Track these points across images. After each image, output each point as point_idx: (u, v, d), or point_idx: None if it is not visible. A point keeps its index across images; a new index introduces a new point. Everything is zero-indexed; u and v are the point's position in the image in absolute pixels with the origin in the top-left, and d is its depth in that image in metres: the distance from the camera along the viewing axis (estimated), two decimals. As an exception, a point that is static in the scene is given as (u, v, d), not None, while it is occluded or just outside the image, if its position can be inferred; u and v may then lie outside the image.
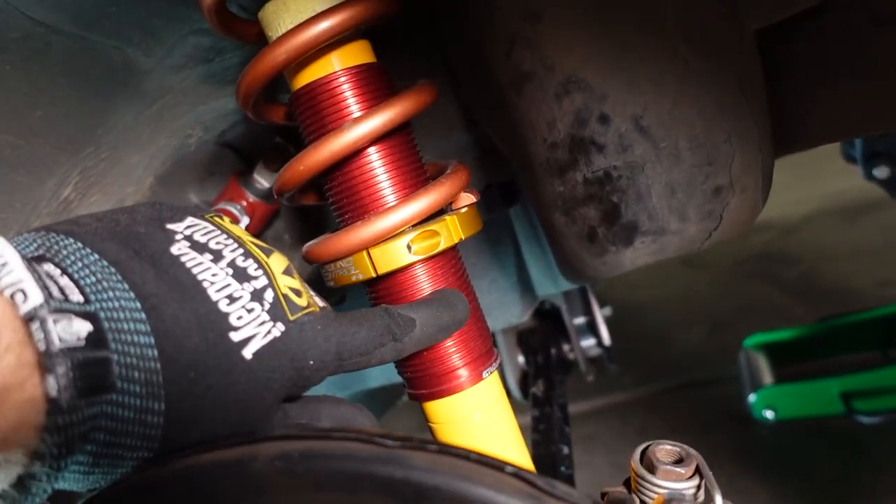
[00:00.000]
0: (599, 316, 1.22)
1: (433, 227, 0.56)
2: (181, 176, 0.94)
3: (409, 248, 0.55)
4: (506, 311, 1.06)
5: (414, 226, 0.55)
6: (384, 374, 1.11)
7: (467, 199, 0.60)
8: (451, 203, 0.60)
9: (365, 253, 0.55)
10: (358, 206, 0.57)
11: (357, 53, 0.58)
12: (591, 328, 1.24)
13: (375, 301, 0.60)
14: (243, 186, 0.91)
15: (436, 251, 0.56)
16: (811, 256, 3.26)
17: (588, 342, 1.24)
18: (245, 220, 0.88)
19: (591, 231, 0.61)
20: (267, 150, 0.91)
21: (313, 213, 1.02)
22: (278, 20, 0.57)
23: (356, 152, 0.55)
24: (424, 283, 0.58)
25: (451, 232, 0.56)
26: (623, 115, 0.53)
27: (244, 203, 0.90)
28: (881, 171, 1.69)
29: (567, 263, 0.69)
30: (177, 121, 0.87)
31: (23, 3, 0.62)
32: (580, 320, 1.24)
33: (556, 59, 0.53)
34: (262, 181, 0.91)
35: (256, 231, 0.94)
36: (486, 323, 0.62)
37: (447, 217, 0.57)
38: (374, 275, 0.55)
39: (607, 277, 0.69)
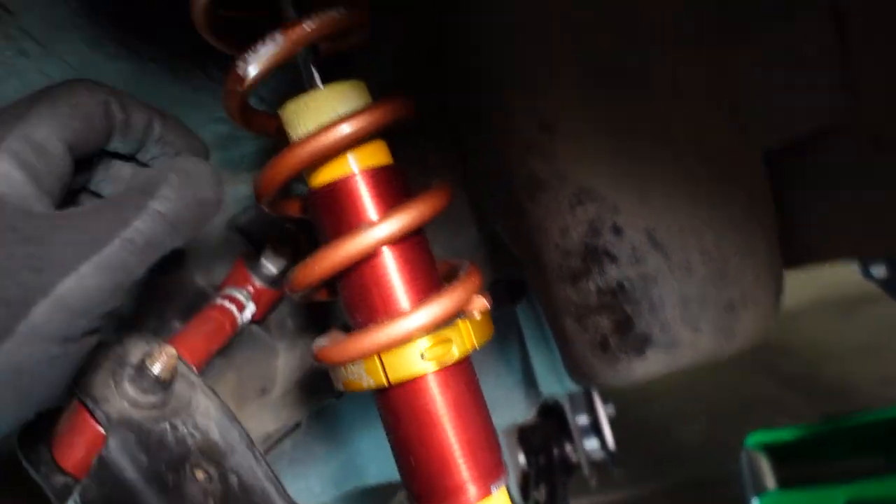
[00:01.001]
0: (604, 416, 1.19)
1: (447, 333, 0.55)
2: (188, 259, 0.94)
3: (422, 355, 0.54)
4: (510, 408, 1.04)
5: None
6: (383, 472, 1.06)
7: (480, 303, 0.59)
8: (462, 306, 0.59)
9: (376, 358, 0.54)
10: (370, 307, 0.57)
11: (374, 154, 0.59)
12: (595, 428, 1.20)
13: (386, 411, 0.58)
14: (250, 271, 0.91)
15: (448, 360, 0.55)
16: (811, 349, 3.23)
17: (591, 444, 1.20)
18: (251, 307, 0.87)
19: (604, 340, 0.61)
20: (276, 236, 0.91)
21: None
22: (298, 119, 0.58)
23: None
24: (437, 392, 0.56)
25: (464, 339, 0.55)
26: (636, 228, 0.53)
27: (250, 289, 0.89)
28: (878, 271, 1.70)
29: (577, 369, 0.68)
30: (188, 205, 0.88)
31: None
32: (583, 419, 1.21)
33: (569, 169, 0.54)
34: (270, 266, 0.91)
35: (261, 317, 0.93)
36: (495, 434, 0.60)
37: (460, 322, 0.56)
38: (385, 384, 0.54)
39: (618, 386, 0.67)
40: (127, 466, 0.50)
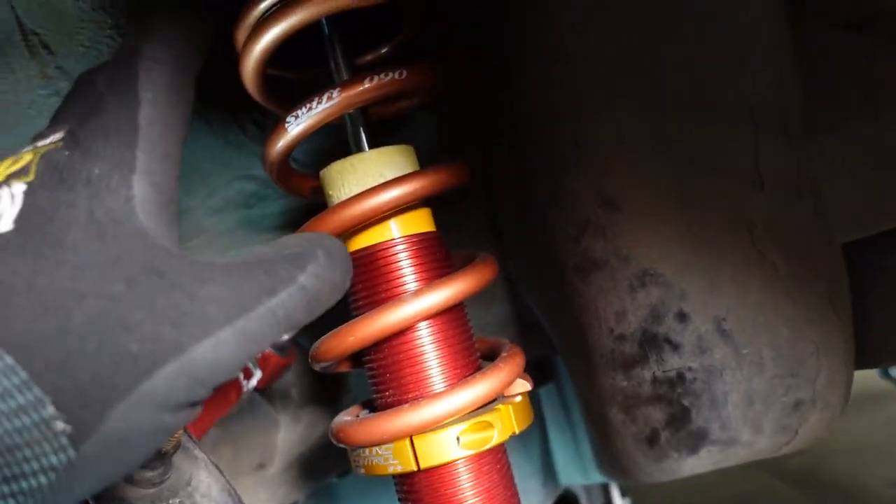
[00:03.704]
0: (621, 510, 1.12)
1: (486, 417, 0.50)
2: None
3: (457, 439, 0.49)
4: (526, 500, 0.96)
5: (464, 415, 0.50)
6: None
7: (522, 386, 0.54)
8: (501, 389, 0.54)
9: (408, 441, 0.49)
10: (402, 385, 0.52)
11: (417, 221, 0.56)
12: (611, 523, 1.13)
13: (409, 499, 0.52)
14: (259, 335, 0.86)
15: (488, 445, 0.49)
16: (816, 445, 3.12)
17: (608, 539, 1.12)
18: (258, 374, 0.81)
19: (654, 433, 0.56)
20: (291, 301, 0.87)
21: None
22: (343, 180, 0.55)
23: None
24: (468, 481, 0.51)
25: (504, 424, 0.50)
26: (704, 316, 0.49)
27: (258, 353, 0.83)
28: (897, 371, 1.65)
29: (615, 462, 0.62)
30: (204, 262, 0.84)
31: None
32: (599, 513, 1.14)
33: (633, 250, 0.51)
34: (281, 332, 0.86)
35: (265, 384, 0.87)
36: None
37: (501, 406, 0.51)
38: (415, 468, 0.49)
39: (658, 482, 0.61)
40: (117, 556, 0.43)
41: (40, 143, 0.34)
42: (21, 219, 0.29)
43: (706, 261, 0.48)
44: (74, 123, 0.34)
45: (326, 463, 0.92)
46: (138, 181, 0.31)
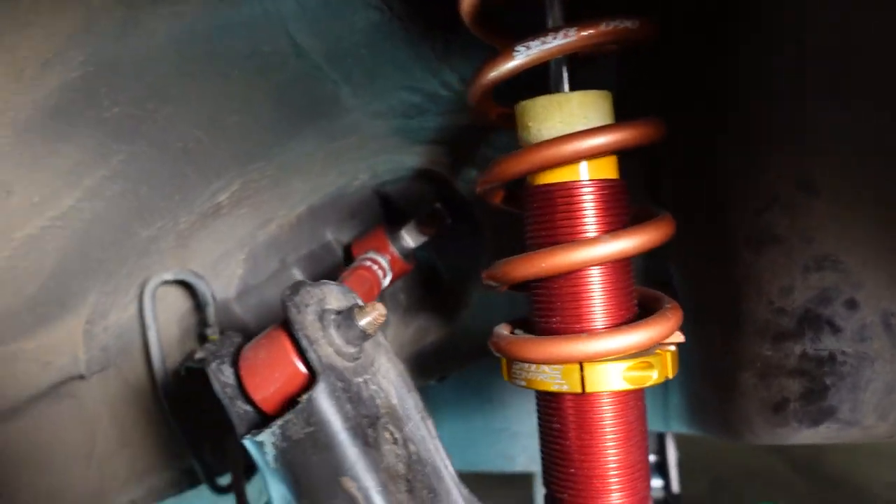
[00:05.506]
0: (673, 459, 1.19)
1: (649, 359, 0.55)
2: (328, 212, 0.94)
3: (622, 373, 0.54)
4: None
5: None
6: (458, 462, 1.06)
7: (677, 337, 0.59)
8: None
9: (578, 366, 0.54)
10: (571, 315, 0.57)
11: (606, 167, 0.59)
12: (661, 469, 1.20)
13: (558, 418, 0.58)
14: (390, 240, 0.91)
15: (645, 384, 0.55)
16: (823, 438, 3.20)
17: (655, 483, 1.20)
18: (389, 275, 0.87)
19: (782, 402, 0.60)
20: (425, 213, 0.91)
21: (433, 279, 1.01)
22: (547, 114, 0.58)
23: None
24: (617, 413, 0.56)
25: (662, 368, 0.55)
26: (874, 308, 0.53)
27: (389, 257, 0.89)
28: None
29: (725, 418, 0.68)
30: (353, 162, 0.88)
31: (294, 24, 0.64)
32: (651, 458, 1.21)
33: (819, 234, 0.54)
34: (409, 240, 0.91)
35: (390, 284, 0.93)
36: (649, 464, 0.60)
37: (660, 351, 0.56)
38: (580, 391, 0.54)
39: (761, 444, 0.67)
40: (334, 413, 0.49)
41: None
42: None
43: (890, 258, 0.51)
44: None
45: (431, 367, 0.99)
46: None
